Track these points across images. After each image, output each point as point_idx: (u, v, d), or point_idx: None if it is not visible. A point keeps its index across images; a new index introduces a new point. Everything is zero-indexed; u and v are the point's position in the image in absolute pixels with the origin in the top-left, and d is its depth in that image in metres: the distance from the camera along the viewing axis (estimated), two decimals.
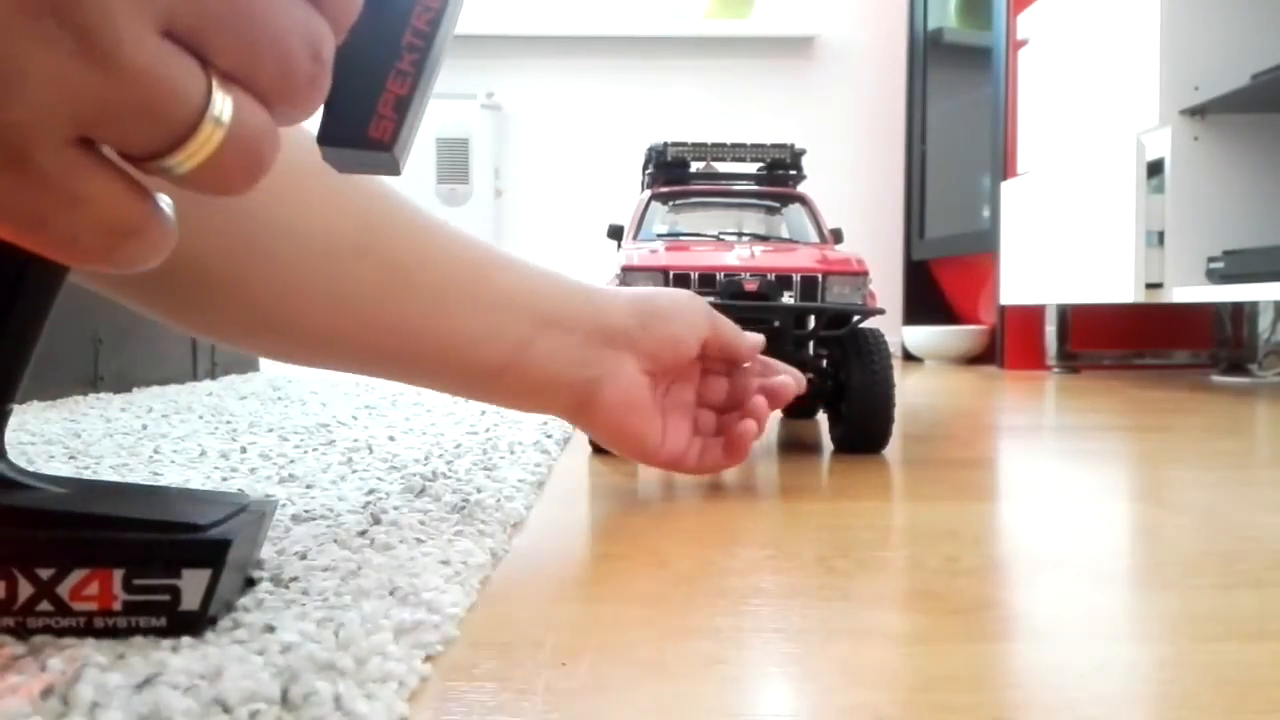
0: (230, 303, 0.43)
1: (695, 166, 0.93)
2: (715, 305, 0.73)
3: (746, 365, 0.61)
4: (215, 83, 0.21)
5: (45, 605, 0.28)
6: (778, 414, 1.04)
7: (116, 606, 0.28)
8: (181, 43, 0.21)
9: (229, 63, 0.22)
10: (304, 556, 0.38)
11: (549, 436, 0.79)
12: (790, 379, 0.61)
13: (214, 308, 0.44)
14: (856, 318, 0.76)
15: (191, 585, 0.28)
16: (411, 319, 0.47)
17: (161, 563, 0.28)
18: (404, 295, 0.46)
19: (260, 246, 0.42)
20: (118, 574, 0.28)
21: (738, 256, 0.77)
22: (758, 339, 0.60)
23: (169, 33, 0.21)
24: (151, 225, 0.22)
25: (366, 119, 0.25)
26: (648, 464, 0.58)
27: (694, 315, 0.57)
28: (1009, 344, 2.13)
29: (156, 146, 0.21)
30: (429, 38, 0.26)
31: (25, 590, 0.28)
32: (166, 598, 0.28)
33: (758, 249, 0.80)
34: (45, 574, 0.28)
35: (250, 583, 0.34)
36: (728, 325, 0.59)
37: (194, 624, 0.28)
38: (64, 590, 0.28)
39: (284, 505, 0.48)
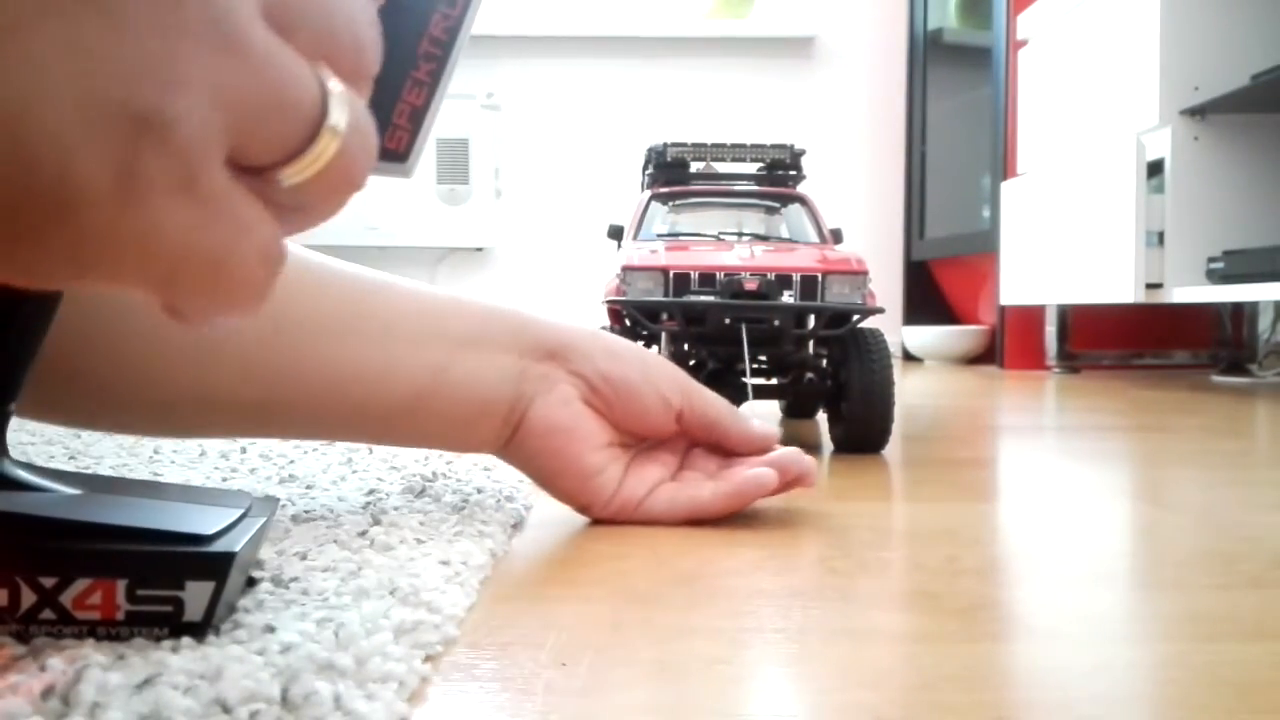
0: (91, 388, 0.39)
1: (695, 167, 0.93)
2: (716, 305, 0.74)
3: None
4: (319, 68, 0.20)
5: (48, 614, 0.28)
6: (778, 414, 1.04)
7: (119, 616, 0.28)
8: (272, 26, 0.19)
9: (311, 43, 0.20)
10: (304, 557, 0.38)
11: None
12: (812, 470, 0.50)
13: (72, 395, 0.39)
14: (856, 317, 0.76)
15: (195, 597, 0.28)
16: (289, 360, 0.42)
17: (165, 575, 0.28)
18: (276, 338, 0.41)
19: (103, 316, 0.37)
20: (121, 584, 0.28)
21: (738, 256, 0.77)
22: (762, 433, 0.51)
23: (265, 15, 0.19)
24: (284, 250, 0.20)
25: (382, 130, 0.25)
26: (589, 512, 0.49)
27: (666, 383, 0.49)
28: (1009, 344, 2.13)
29: (291, 146, 0.19)
30: (446, 46, 0.25)
31: (28, 598, 0.27)
32: (169, 609, 0.28)
33: (758, 249, 0.80)
34: (48, 583, 0.27)
35: (251, 583, 0.34)
36: (711, 405, 0.50)
37: (197, 634, 0.28)
38: (67, 599, 0.28)
39: (284, 505, 0.48)
